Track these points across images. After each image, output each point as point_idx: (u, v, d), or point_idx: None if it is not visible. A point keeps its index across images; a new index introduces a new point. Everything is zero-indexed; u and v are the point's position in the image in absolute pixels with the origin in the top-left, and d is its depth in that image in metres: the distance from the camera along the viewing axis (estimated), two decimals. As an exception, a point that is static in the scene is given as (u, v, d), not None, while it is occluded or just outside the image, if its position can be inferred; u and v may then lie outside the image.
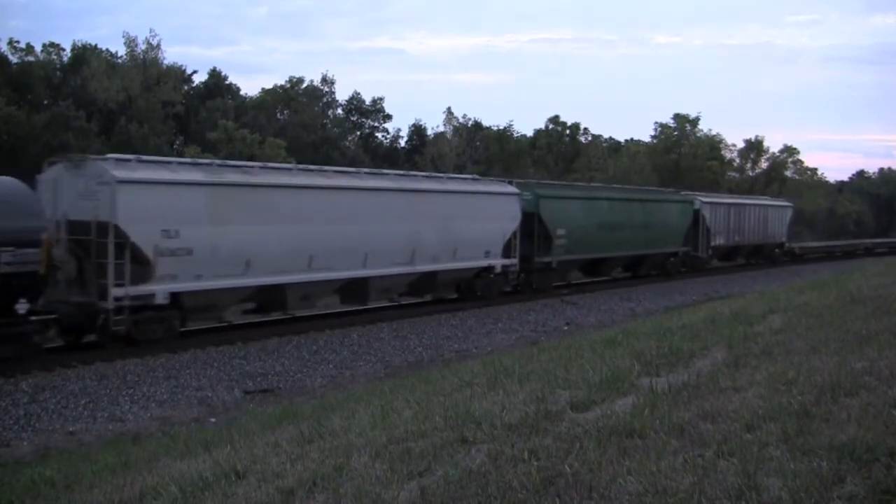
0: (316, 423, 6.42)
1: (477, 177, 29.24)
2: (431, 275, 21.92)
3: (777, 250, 42.18)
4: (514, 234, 24.58)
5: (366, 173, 22.13)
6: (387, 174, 23.03)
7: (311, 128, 55.28)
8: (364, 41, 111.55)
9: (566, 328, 20.24)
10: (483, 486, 3.71)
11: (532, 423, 4.64)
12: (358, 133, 63.41)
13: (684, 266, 34.60)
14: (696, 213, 34.17)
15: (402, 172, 25.74)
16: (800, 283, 17.14)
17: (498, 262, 24.13)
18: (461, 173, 45.00)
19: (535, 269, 25.88)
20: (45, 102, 46.51)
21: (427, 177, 24.67)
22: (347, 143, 57.99)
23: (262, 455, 5.27)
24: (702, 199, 35.49)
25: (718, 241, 35.85)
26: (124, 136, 42.01)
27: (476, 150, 59.50)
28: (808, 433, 3.93)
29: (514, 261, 24.68)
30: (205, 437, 7.90)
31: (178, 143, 49.96)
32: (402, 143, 64.78)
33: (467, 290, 23.92)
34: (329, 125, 59.26)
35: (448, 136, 59.94)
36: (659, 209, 32.44)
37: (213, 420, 11.74)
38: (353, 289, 20.06)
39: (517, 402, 5.29)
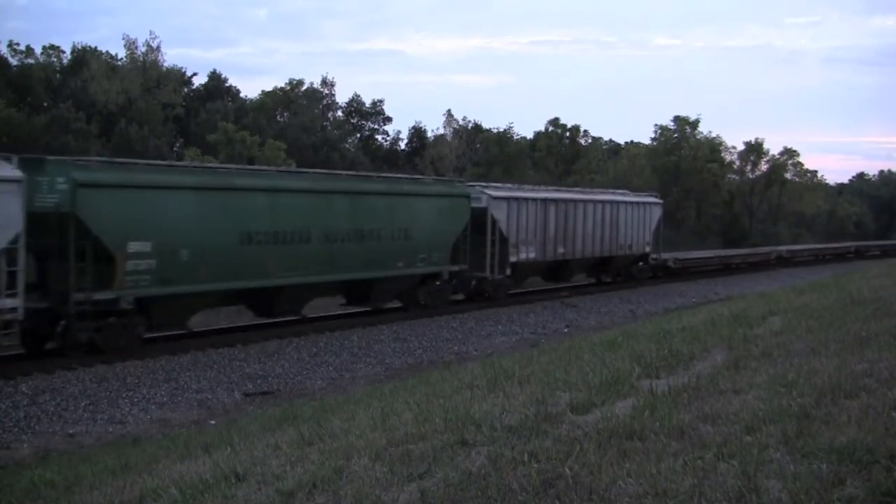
0: (316, 425, 6.42)
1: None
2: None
3: (640, 264, 31.42)
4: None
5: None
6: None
7: (311, 130, 55.29)
8: (364, 43, 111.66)
9: (566, 330, 20.25)
10: (483, 488, 3.71)
11: (532, 425, 4.64)
12: (358, 135, 63.42)
13: (457, 295, 23.87)
14: (482, 212, 23.21)
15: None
16: (800, 285, 17.13)
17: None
18: (461, 175, 45.06)
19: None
20: (45, 104, 46.54)
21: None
22: (347, 146, 57.98)
23: (262, 457, 5.27)
24: (490, 192, 24.00)
25: (523, 254, 24.75)
26: (124, 139, 42.01)
27: (476, 152, 59.49)
28: (808, 435, 3.93)
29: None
30: (205, 440, 7.90)
31: (178, 145, 49.98)
32: (402, 145, 64.82)
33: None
34: (329, 127, 59.26)
35: (448, 138, 59.95)
36: (391, 206, 20.32)
37: (212, 422, 11.74)
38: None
39: (517, 405, 5.29)
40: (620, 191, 33.50)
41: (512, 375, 6.94)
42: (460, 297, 23.97)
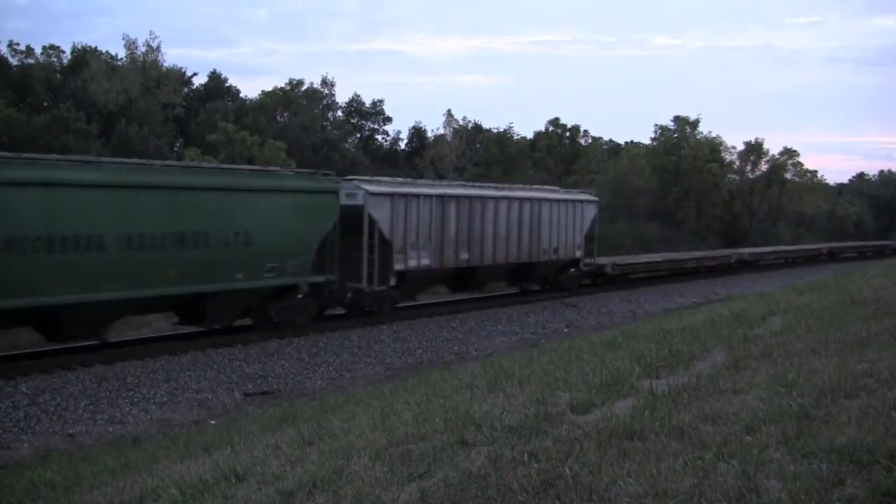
0: (316, 425, 6.42)
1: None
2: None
3: (572, 270, 27.27)
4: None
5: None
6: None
7: (311, 130, 55.28)
8: (364, 43, 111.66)
9: (566, 330, 20.24)
10: (483, 488, 3.71)
11: (532, 425, 4.64)
12: (358, 135, 63.42)
13: (337, 309, 20.61)
14: (358, 211, 19.54)
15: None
16: (800, 285, 17.13)
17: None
18: (461, 176, 45.06)
19: None
20: (45, 104, 46.54)
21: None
22: (347, 146, 57.99)
23: (262, 457, 5.27)
24: (368, 187, 20.04)
25: (413, 261, 20.81)
26: (124, 139, 42.02)
27: (476, 152, 59.50)
28: (808, 435, 3.93)
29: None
30: (205, 440, 7.90)
31: (178, 145, 49.99)
32: (402, 145, 64.83)
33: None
34: (329, 127, 59.26)
35: (448, 138, 59.94)
36: (225, 205, 16.69)
37: (212, 422, 11.74)
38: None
39: (517, 405, 5.29)
40: (548, 187, 29.67)
41: (512, 375, 6.94)
42: (341, 311, 20.76)
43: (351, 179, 20.77)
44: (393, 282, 20.35)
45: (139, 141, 41.68)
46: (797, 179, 64.73)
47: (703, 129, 61.37)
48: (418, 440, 4.74)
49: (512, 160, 55.70)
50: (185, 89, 55.30)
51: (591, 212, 27.74)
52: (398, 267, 20.42)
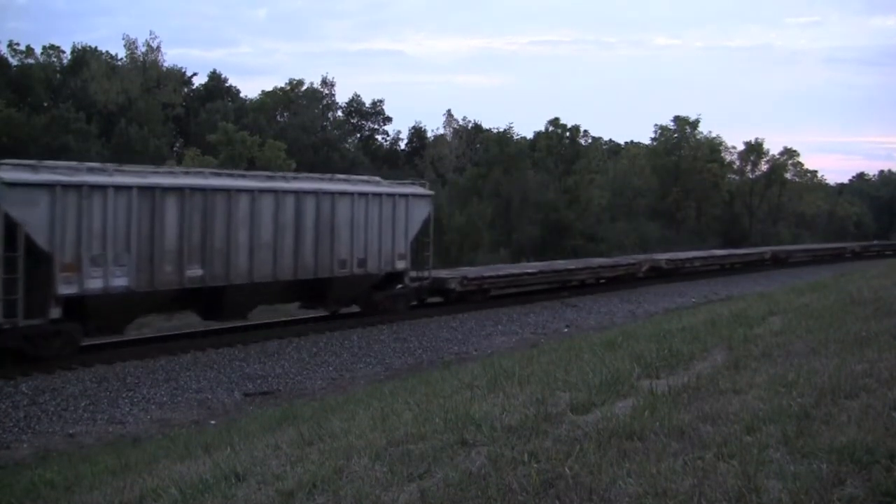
0: (316, 425, 6.42)
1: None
2: None
3: (399, 287, 21.11)
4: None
5: None
6: None
7: (311, 130, 55.30)
8: (364, 43, 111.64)
9: (566, 330, 20.23)
10: (483, 488, 3.71)
11: (532, 425, 4.64)
12: (358, 135, 63.42)
13: None
14: None
15: None
16: (800, 285, 17.13)
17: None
18: (461, 176, 45.08)
19: None
20: (45, 104, 46.54)
21: None
22: (347, 146, 58.00)
23: (261, 457, 5.27)
24: (5, 174, 13.94)
25: (97, 282, 14.82)
26: (124, 139, 42.04)
27: (476, 152, 59.50)
28: (808, 435, 3.93)
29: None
30: (205, 440, 7.90)
31: (178, 145, 50.00)
32: (402, 145, 64.84)
33: None
34: (329, 127, 59.27)
35: (448, 138, 59.95)
36: None
37: (212, 422, 11.75)
38: None
39: (517, 405, 5.29)
40: (362, 177, 22.89)
41: (512, 375, 6.94)
42: None
43: None
44: (56, 313, 14.34)
45: (139, 141, 41.69)
46: (797, 179, 64.81)
47: (703, 129, 61.36)
48: (418, 440, 4.74)
49: (512, 160, 55.73)
50: (185, 89, 55.32)
51: (421, 210, 21.30)
52: (66, 291, 14.37)
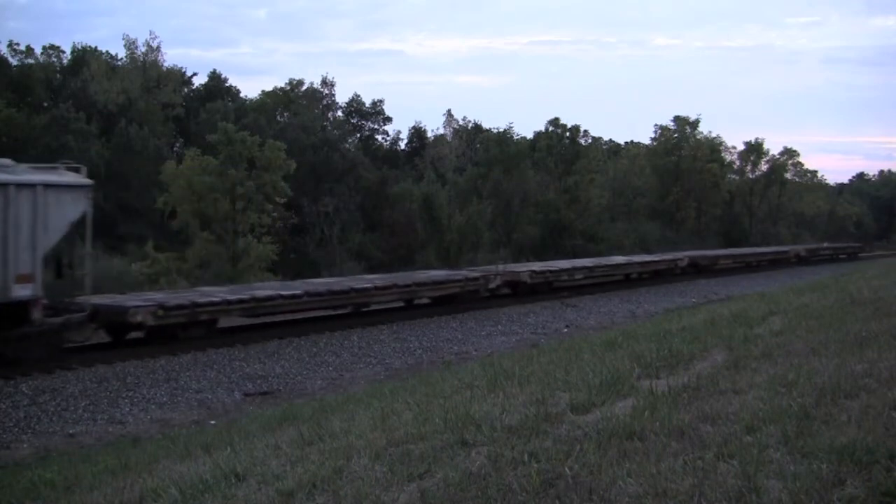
0: (316, 425, 6.41)
1: None
2: None
3: (27, 326, 13.77)
4: None
5: None
6: None
7: (311, 130, 55.25)
8: (364, 43, 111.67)
9: (566, 330, 20.23)
10: (483, 488, 3.71)
11: (532, 425, 4.64)
12: (358, 135, 63.38)
13: None
14: None
15: None
16: (800, 285, 17.13)
17: None
18: (461, 176, 45.03)
19: None
20: (45, 104, 46.50)
21: None
22: (347, 146, 57.96)
23: (261, 457, 5.27)
24: None
25: None
26: (124, 139, 42.01)
27: (476, 152, 59.48)
28: (809, 435, 3.93)
29: None
30: (205, 440, 7.89)
31: (178, 145, 49.97)
32: (402, 145, 64.80)
33: None
34: (329, 127, 59.23)
35: (448, 138, 59.91)
36: None
37: (212, 422, 11.73)
38: None
39: (517, 405, 5.29)
40: None
41: (512, 375, 6.94)
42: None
43: None
44: None
45: (139, 141, 41.66)
46: (797, 179, 64.83)
47: (703, 129, 61.38)
48: (418, 440, 4.74)
49: (512, 160, 55.73)
50: (185, 89, 55.25)
51: (69, 207, 14.53)
52: None
